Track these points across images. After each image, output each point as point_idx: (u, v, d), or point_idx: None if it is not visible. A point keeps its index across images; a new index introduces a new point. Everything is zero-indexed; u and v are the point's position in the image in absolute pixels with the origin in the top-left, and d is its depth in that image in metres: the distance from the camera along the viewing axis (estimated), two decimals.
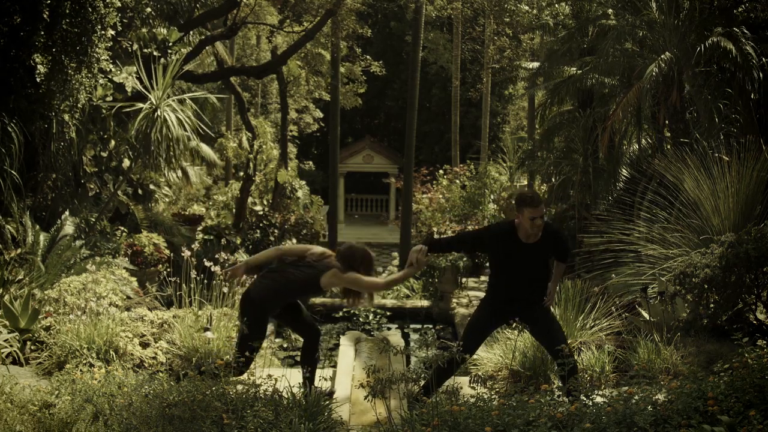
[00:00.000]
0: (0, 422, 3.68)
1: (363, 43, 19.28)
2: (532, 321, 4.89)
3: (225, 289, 6.18)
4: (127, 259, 8.41)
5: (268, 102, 23.91)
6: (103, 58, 7.47)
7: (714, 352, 5.32)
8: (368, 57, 17.80)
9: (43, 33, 6.98)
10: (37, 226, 7.28)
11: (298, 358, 5.34)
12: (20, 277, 6.32)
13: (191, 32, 11.36)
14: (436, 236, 13.21)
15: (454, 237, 5.81)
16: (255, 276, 5.01)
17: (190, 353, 5.55)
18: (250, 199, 13.60)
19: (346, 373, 6.03)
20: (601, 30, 11.03)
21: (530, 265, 4.77)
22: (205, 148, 15.37)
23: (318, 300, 10.17)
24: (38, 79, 7.05)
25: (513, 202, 4.80)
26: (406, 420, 3.77)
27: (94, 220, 8.47)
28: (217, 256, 6.35)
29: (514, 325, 5.69)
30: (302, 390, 4.22)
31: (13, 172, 6.79)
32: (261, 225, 12.97)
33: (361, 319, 9.42)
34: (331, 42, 15.49)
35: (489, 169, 16.44)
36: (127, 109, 8.15)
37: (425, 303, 10.02)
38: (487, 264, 12.41)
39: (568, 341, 5.61)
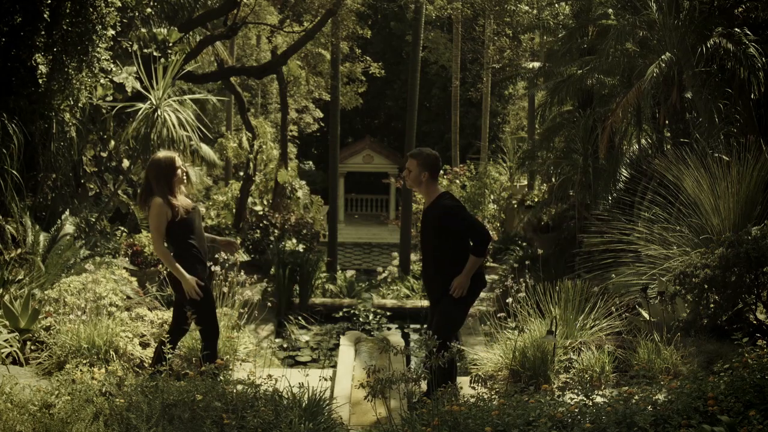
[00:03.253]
0: (0, 422, 3.68)
1: (363, 44, 19.26)
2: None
3: (225, 289, 6.18)
4: (127, 259, 8.40)
5: (268, 102, 23.89)
6: (104, 57, 7.47)
7: (714, 352, 5.32)
8: (368, 58, 17.79)
9: (43, 33, 6.97)
10: (37, 226, 7.27)
11: (299, 359, 5.34)
12: (20, 277, 6.32)
13: (191, 32, 11.36)
14: None
15: None
16: None
17: (190, 353, 5.56)
18: (250, 199, 13.59)
19: (346, 373, 6.03)
20: (601, 30, 11.02)
21: (425, 235, 4.79)
22: (205, 149, 15.34)
23: (318, 300, 10.16)
24: (40, 80, 7.05)
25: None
26: (406, 420, 3.77)
27: (94, 220, 8.47)
28: (217, 256, 6.35)
29: (514, 324, 5.70)
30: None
31: (13, 171, 6.78)
32: (261, 225, 12.94)
33: (361, 319, 9.42)
34: (331, 42, 15.47)
35: (489, 169, 16.46)
36: (128, 110, 8.15)
37: (425, 303, 10.02)
38: (487, 264, 12.44)
39: (568, 341, 5.62)
